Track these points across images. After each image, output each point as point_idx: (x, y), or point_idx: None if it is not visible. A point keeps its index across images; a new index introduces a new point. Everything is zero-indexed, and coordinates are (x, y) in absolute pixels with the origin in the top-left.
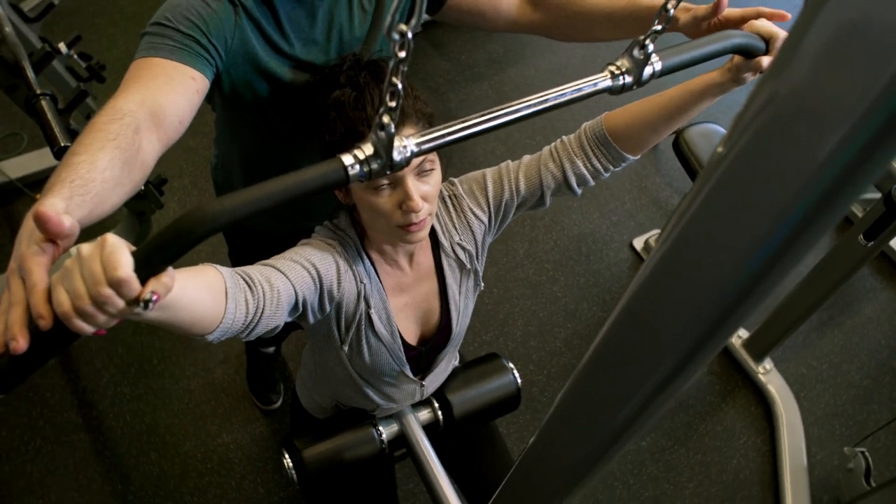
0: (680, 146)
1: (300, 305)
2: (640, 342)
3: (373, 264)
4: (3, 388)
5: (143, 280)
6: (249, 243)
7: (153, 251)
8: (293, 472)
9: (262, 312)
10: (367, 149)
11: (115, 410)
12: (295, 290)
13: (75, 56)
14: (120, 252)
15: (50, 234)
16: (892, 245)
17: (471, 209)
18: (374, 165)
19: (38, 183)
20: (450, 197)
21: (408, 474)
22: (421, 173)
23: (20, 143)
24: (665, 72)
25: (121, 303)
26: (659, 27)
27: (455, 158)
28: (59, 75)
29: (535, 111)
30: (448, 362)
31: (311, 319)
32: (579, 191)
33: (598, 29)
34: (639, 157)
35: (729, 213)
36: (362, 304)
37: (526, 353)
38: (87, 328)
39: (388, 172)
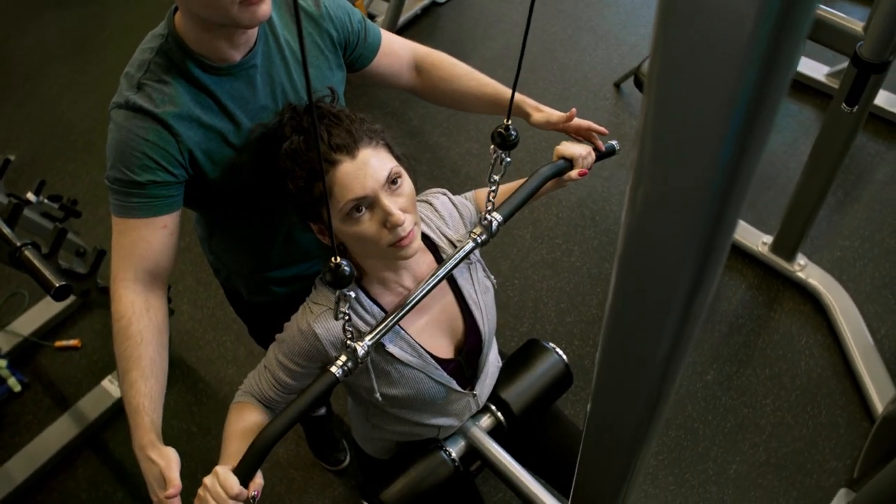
0: (641, 83)
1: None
2: (650, 265)
3: (375, 300)
4: None
5: (245, 485)
6: (264, 318)
7: (245, 468)
8: None
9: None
10: (343, 358)
11: None
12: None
13: (45, 200)
14: (230, 477)
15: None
16: (879, 104)
17: (462, 203)
18: (350, 365)
19: (51, 332)
20: (437, 198)
21: (494, 485)
22: (392, 185)
23: (23, 301)
24: (505, 220)
25: None
26: (487, 215)
27: (435, 168)
28: (36, 223)
29: (439, 281)
30: (491, 365)
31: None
32: None
33: (468, 105)
34: None
35: (684, 112)
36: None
37: (567, 331)
38: None
39: (360, 364)
